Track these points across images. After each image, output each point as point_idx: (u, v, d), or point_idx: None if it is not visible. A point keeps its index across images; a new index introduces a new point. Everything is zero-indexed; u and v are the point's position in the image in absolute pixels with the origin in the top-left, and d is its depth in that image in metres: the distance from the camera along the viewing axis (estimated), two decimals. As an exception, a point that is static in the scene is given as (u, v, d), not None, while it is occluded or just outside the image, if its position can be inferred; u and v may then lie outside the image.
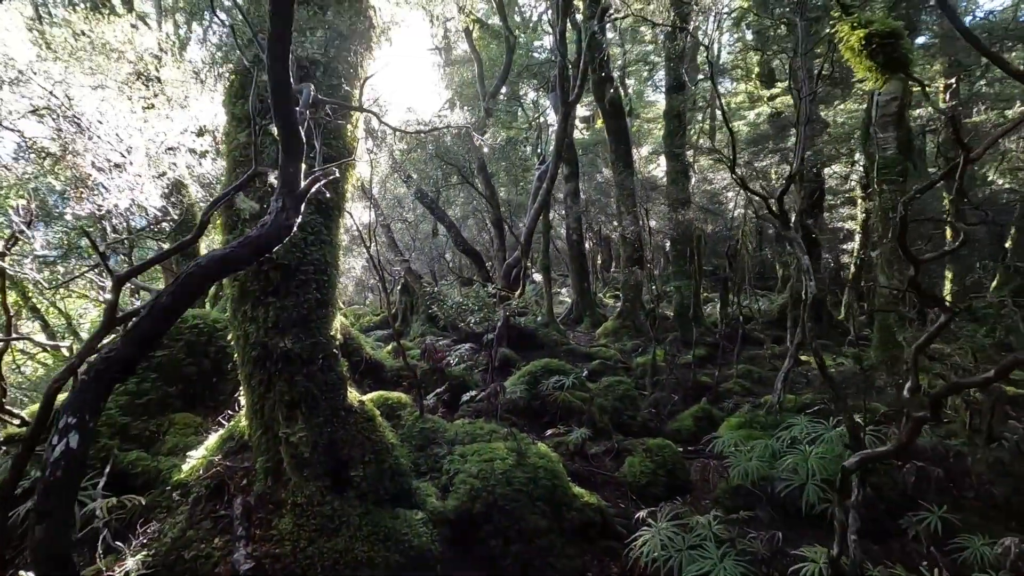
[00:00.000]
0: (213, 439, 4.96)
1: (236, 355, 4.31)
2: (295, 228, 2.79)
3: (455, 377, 8.32)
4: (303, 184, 2.72)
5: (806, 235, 8.05)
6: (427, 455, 5.90)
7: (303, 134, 2.66)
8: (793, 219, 15.47)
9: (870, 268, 15.39)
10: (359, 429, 4.52)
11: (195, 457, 4.86)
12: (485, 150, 11.79)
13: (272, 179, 2.70)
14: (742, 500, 5.71)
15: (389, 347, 11.65)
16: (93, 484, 4.93)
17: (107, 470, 5.15)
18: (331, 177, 2.82)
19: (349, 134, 4.34)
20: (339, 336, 4.53)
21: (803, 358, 12.75)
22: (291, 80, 2.49)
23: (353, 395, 4.81)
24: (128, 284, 5.14)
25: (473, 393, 7.35)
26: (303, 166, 2.70)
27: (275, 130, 2.61)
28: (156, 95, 4.88)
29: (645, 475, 6.03)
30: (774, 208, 4.25)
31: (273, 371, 4.09)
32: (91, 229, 5.42)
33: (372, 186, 7.62)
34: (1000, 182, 18.50)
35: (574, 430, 6.61)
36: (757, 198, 12.81)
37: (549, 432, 6.71)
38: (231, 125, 4.05)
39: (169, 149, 5.08)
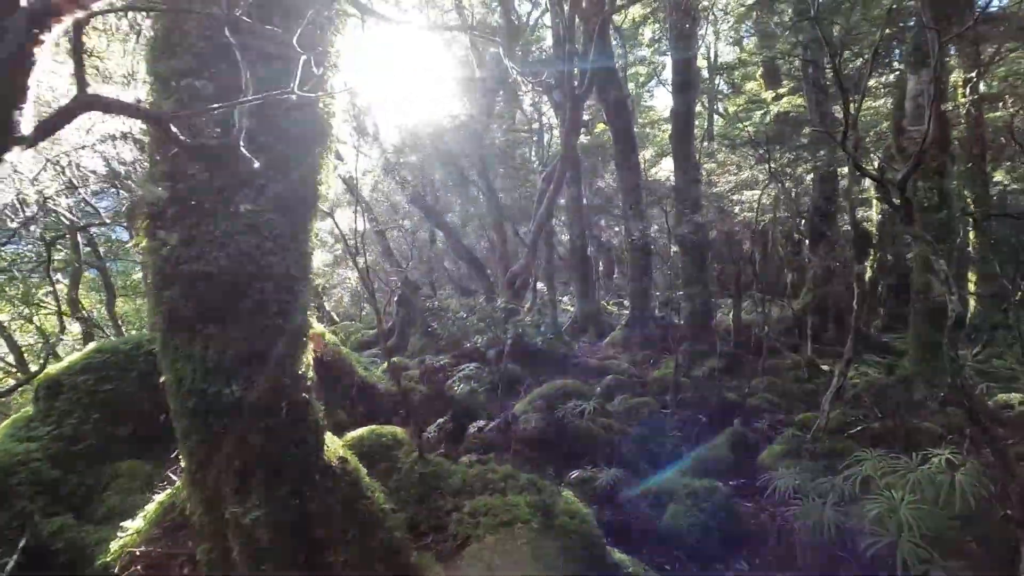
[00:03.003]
0: (152, 508, 3.72)
1: (170, 404, 3.09)
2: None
3: (459, 402, 7.10)
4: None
5: (859, 233, 6.94)
6: (428, 509, 4.68)
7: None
8: (805, 221, 14.42)
9: (888, 271, 14.32)
10: (340, 497, 3.31)
11: (129, 530, 3.63)
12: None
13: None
14: (817, 560, 4.53)
15: (386, 364, 10.42)
16: (1, 567, 3.70)
17: (22, 544, 3.92)
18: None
19: (322, 108, 3.15)
20: (311, 374, 3.32)
21: (825, 367, 11.66)
22: None
23: (334, 446, 3.60)
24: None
25: (481, 424, 6.15)
26: None
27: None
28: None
29: (693, 527, 4.83)
30: (895, 199, 3.14)
31: (217, 428, 2.88)
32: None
33: (359, 181, 6.48)
34: (1006, 182, 17.53)
35: (602, 470, 5.41)
36: (783, 196, 11.71)
37: (574, 474, 5.50)
38: (155, 88, 2.86)
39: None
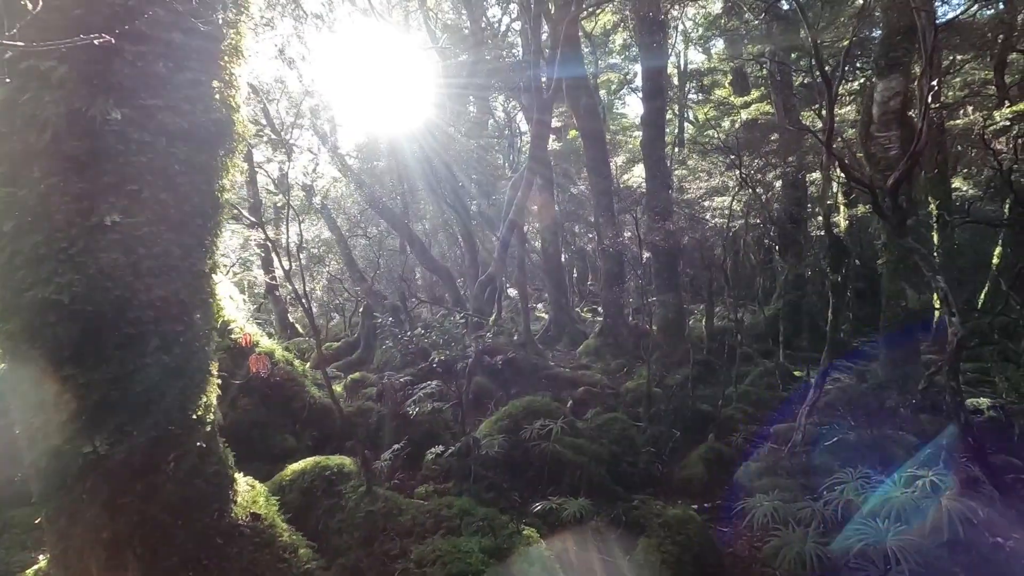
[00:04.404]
0: (29, 574, 3.08)
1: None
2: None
3: (419, 424, 6.53)
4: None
5: (834, 241, 6.65)
6: (373, 554, 4.11)
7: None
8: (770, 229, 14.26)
9: (856, 277, 14.24)
10: (249, 562, 2.74)
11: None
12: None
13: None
14: (800, 599, 4.11)
15: (348, 379, 9.76)
16: None
17: None
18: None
19: (220, 99, 2.58)
20: (212, 416, 2.74)
21: (797, 373, 11.48)
22: None
23: (247, 498, 3.02)
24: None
25: (440, 449, 5.59)
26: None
27: None
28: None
29: (667, 564, 4.36)
30: (885, 206, 2.74)
31: (78, 492, 2.29)
32: None
33: (314, 187, 5.89)
34: (964, 188, 17.79)
35: (568, 501, 4.92)
36: (760, 201, 11.47)
37: (537, 506, 4.98)
38: (-7, 74, 2.28)
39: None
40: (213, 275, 2.73)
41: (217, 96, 2.57)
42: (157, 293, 2.38)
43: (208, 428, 2.68)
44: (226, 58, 2.58)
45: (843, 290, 14.17)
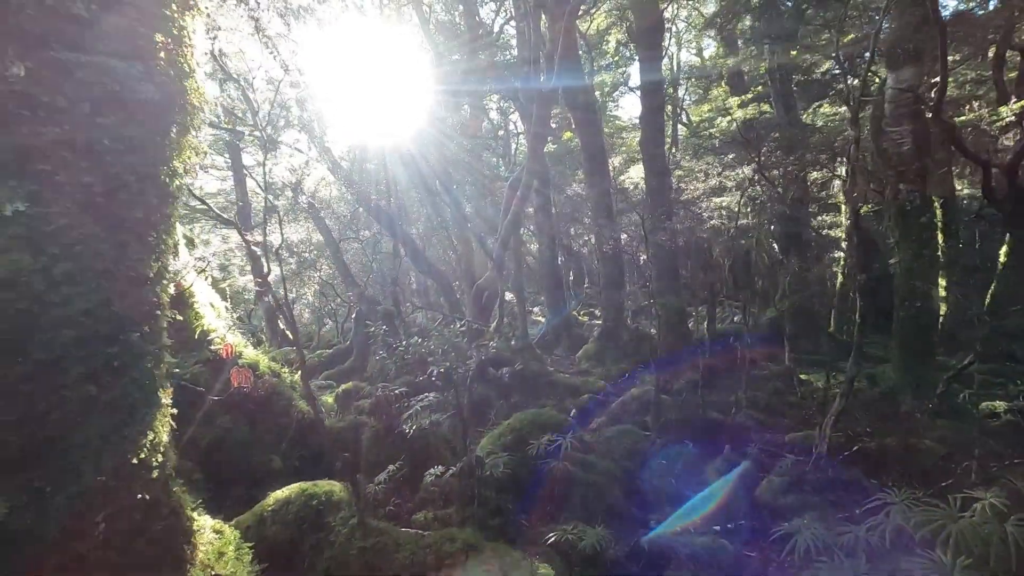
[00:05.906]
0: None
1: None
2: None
3: (416, 438, 5.95)
4: None
5: (863, 240, 6.18)
6: (366, 600, 3.55)
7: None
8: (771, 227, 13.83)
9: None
10: (208, 640, 2.16)
11: None
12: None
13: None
14: (852, 642, 3.59)
15: (340, 389, 9.14)
16: None
17: None
18: None
19: (164, 59, 2.02)
20: (162, 457, 2.16)
21: (804, 377, 11.03)
22: None
23: (211, 549, 2.44)
24: None
25: (440, 470, 5.01)
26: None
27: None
28: None
29: (699, 603, 3.83)
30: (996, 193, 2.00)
31: (-28, 571, 1.70)
32: None
33: (302, 184, 5.35)
34: (960, 187, 17.55)
35: (585, 530, 4.36)
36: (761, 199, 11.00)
37: (551, 538, 4.41)
38: None
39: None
40: (163, 280, 2.15)
41: (162, 54, 1.99)
42: (79, 305, 1.79)
43: (155, 474, 2.09)
44: (174, 6, 2.01)
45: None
